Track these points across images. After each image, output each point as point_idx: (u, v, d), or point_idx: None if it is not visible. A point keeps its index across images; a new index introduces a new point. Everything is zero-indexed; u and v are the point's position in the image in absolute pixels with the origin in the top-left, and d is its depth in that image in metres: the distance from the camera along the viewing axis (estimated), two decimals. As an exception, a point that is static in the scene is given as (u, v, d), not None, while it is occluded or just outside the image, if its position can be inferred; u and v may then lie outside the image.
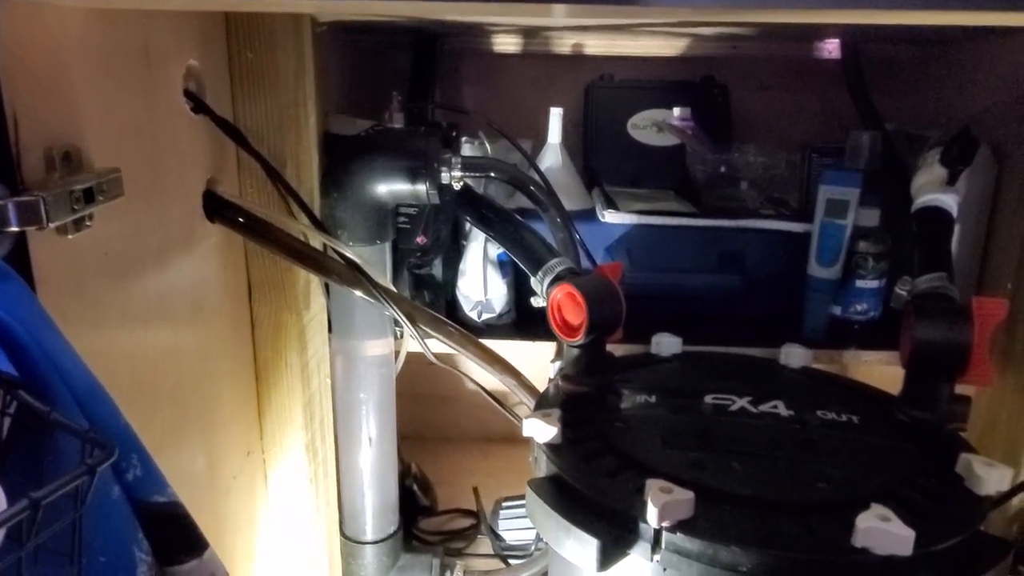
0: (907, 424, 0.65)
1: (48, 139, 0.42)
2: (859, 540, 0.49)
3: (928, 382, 0.64)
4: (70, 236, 0.43)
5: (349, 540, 0.90)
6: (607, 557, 0.52)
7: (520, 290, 0.92)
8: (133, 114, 0.51)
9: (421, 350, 0.78)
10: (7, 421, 0.32)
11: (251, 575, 0.75)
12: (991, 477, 0.55)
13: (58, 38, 0.43)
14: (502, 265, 0.91)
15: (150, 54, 0.53)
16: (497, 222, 0.81)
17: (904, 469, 0.58)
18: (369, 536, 0.89)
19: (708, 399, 0.69)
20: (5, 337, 0.32)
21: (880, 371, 0.85)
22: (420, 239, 0.85)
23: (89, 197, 0.43)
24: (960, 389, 0.65)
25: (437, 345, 0.78)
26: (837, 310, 0.90)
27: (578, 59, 1.12)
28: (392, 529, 0.91)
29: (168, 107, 0.57)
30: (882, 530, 0.48)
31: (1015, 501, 0.78)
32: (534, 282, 0.74)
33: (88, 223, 0.44)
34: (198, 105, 0.60)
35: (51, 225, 0.39)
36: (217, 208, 0.64)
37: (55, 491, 0.26)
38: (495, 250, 0.90)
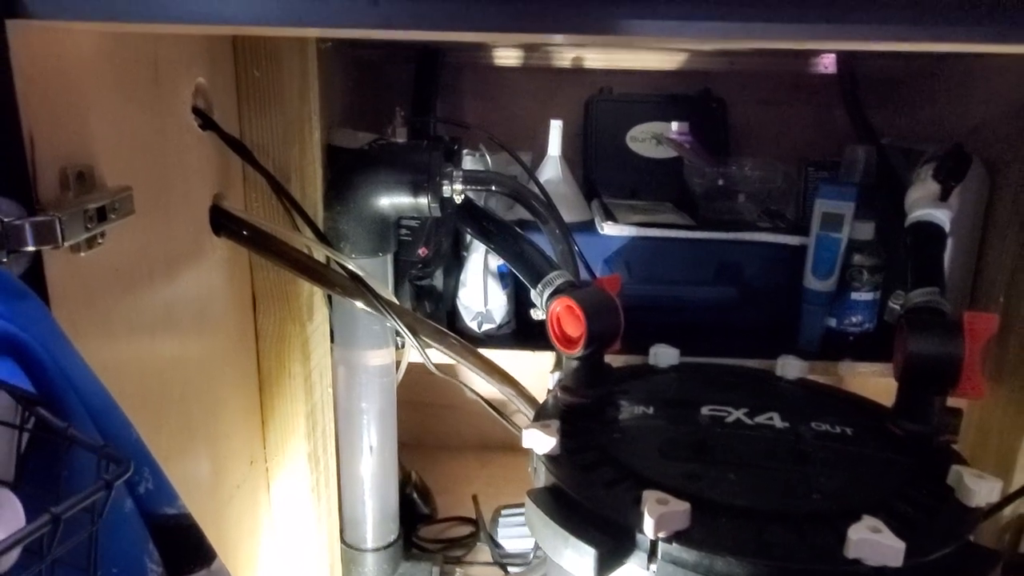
0: (900, 436, 0.66)
1: (63, 159, 0.43)
2: (851, 551, 0.50)
3: (920, 395, 0.65)
4: (83, 254, 0.44)
5: (350, 547, 0.91)
6: (604, 567, 0.53)
7: (520, 301, 0.94)
8: (143, 132, 0.53)
9: (422, 360, 0.80)
10: (25, 437, 0.33)
11: (253, 583, 0.76)
12: (981, 489, 0.56)
13: (71, 60, 0.45)
14: (502, 276, 0.92)
15: (160, 73, 0.55)
16: (497, 234, 0.82)
17: (896, 481, 0.60)
18: (370, 544, 0.90)
19: (705, 410, 0.70)
20: (23, 355, 0.33)
21: (874, 383, 0.86)
22: (422, 251, 0.86)
23: (102, 215, 0.44)
24: (952, 402, 0.66)
25: (438, 355, 0.79)
26: (832, 322, 0.91)
27: (578, 73, 1.14)
28: (392, 537, 0.92)
29: (177, 124, 0.58)
30: (873, 541, 0.49)
31: (1007, 512, 0.79)
32: (534, 295, 0.75)
33: (100, 240, 0.46)
34: (206, 122, 0.61)
35: (66, 244, 0.41)
36: (223, 222, 0.66)
37: (74, 506, 0.27)
38: (495, 262, 0.91)
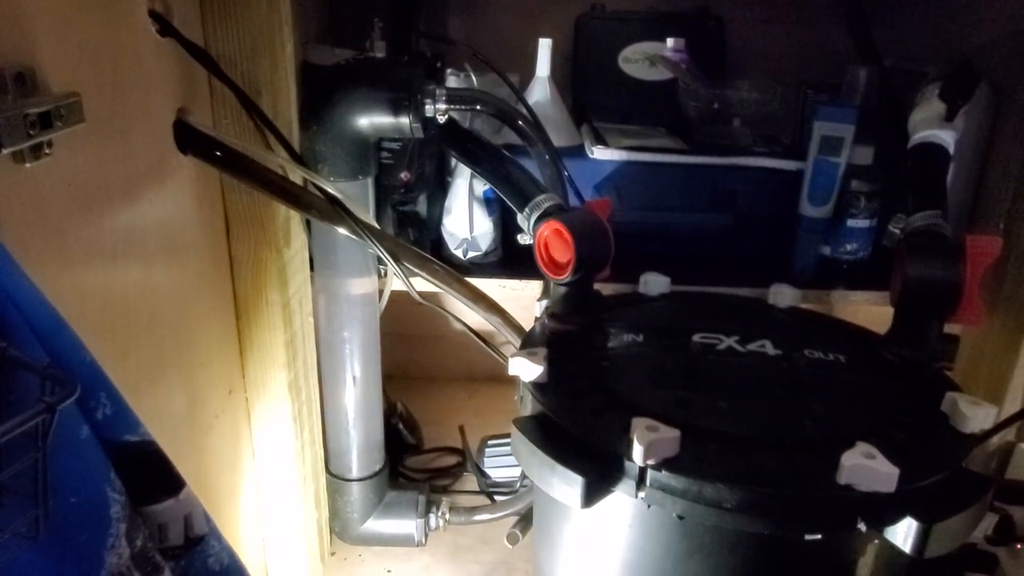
0: (894, 363, 0.64)
1: (-2, 59, 0.39)
2: (843, 477, 0.49)
3: (917, 321, 0.64)
4: (28, 164, 0.41)
5: (335, 477, 0.90)
6: (592, 494, 0.52)
7: (506, 228, 0.90)
8: (93, 35, 0.48)
9: (405, 289, 0.77)
10: (-38, 358, 0.30)
11: (236, 513, 0.75)
12: (976, 415, 0.55)
13: (5, -52, 0.40)
14: (488, 202, 0.89)
15: (109, -30, 0.50)
16: (483, 157, 0.78)
17: (889, 407, 0.58)
18: (355, 473, 0.90)
19: (696, 338, 0.68)
20: (-44, 269, 0.30)
21: (866, 311, 0.85)
22: (404, 175, 0.83)
23: (46, 122, 0.40)
24: (947, 328, 0.65)
25: (422, 283, 0.77)
26: (827, 250, 0.89)
27: (569, -13, 1.08)
28: (378, 467, 0.91)
29: (131, 28, 0.53)
30: (866, 467, 0.48)
31: (995, 439, 0.79)
32: (521, 219, 0.72)
33: (47, 151, 0.42)
34: (164, 27, 0.56)
35: (5, 151, 0.37)
36: (189, 139, 0.61)
37: (11, 430, 0.25)
38: (481, 187, 0.88)
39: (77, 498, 0.33)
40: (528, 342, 0.68)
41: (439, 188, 0.91)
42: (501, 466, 1.03)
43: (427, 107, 0.73)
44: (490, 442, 1.06)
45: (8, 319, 0.30)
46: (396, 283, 0.84)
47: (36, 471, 0.28)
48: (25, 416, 0.26)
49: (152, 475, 0.38)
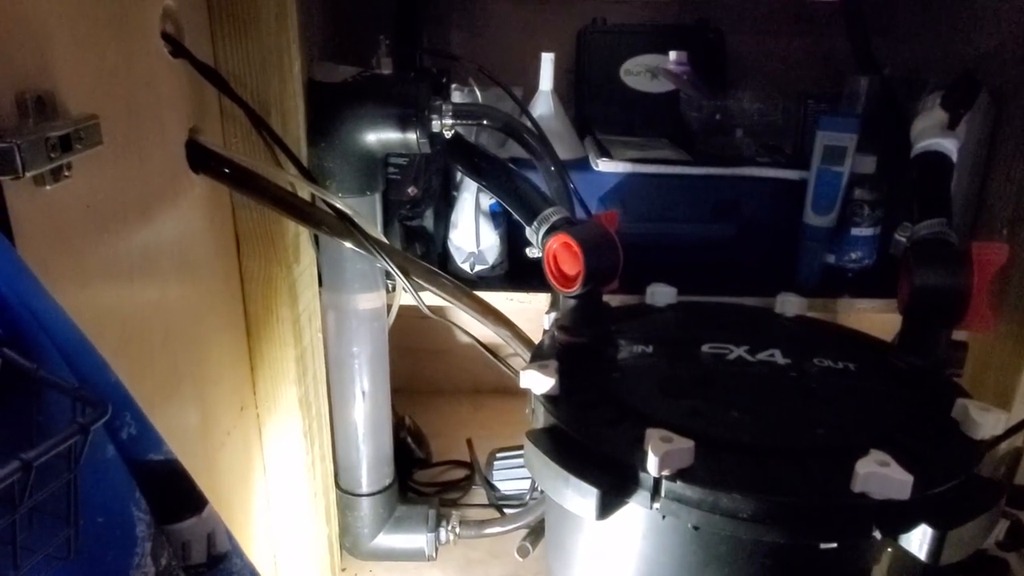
0: (903, 370, 0.65)
1: (19, 83, 0.40)
2: (858, 485, 0.49)
3: (926, 328, 0.64)
4: (48, 187, 0.41)
5: (345, 492, 0.90)
6: (606, 506, 0.52)
7: (513, 241, 0.91)
8: (109, 57, 0.49)
9: (413, 303, 0.77)
10: (-8, 380, 0.30)
11: (247, 529, 0.75)
12: (987, 422, 0.55)
13: (24, -26, 0.40)
14: (494, 216, 0.89)
15: (124, -7, 0.50)
16: (490, 171, 0.79)
17: (901, 415, 0.59)
18: (365, 488, 0.90)
19: (705, 348, 0.68)
20: (-15, 293, 0.30)
21: (871, 319, 0.85)
22: (411, 190, 0.83)
23: (66, 145, 0.41)
24: (955, 335, 0.65)
25: (430, 297, 0.77)
26: (831, 259, 0.90)
27: (570, 2, 1.09)
28: (387, 481, 0.91)
29: (145, 50, 0.54)
30: (881, 475, 0.48)
31: (1003, 444, 0.79)
32: (529, 232, 0.73)
33: (67, 173, 0.42)
34: (177, 48, 0.57)
35: (28, 175, 0.37)
36: (201, 158, 0.62)
37: (47, 451, 0.25)
38: (487, 200, 0.88)
39: (104, 518, 0.33)
40: (538, 355, 0.69)
41: (445, 202, 0.92)
42: (510, 479, 1.03)
43: (434, 122, 0.74)
44: (499, 455, 1.06)
45: (37, 341, 0.31)
46: (404, 298, 0.84)
47: (69, 492, 0.28)
48: (60, 437, 0.26)
49: (176, 493, 0.38)
